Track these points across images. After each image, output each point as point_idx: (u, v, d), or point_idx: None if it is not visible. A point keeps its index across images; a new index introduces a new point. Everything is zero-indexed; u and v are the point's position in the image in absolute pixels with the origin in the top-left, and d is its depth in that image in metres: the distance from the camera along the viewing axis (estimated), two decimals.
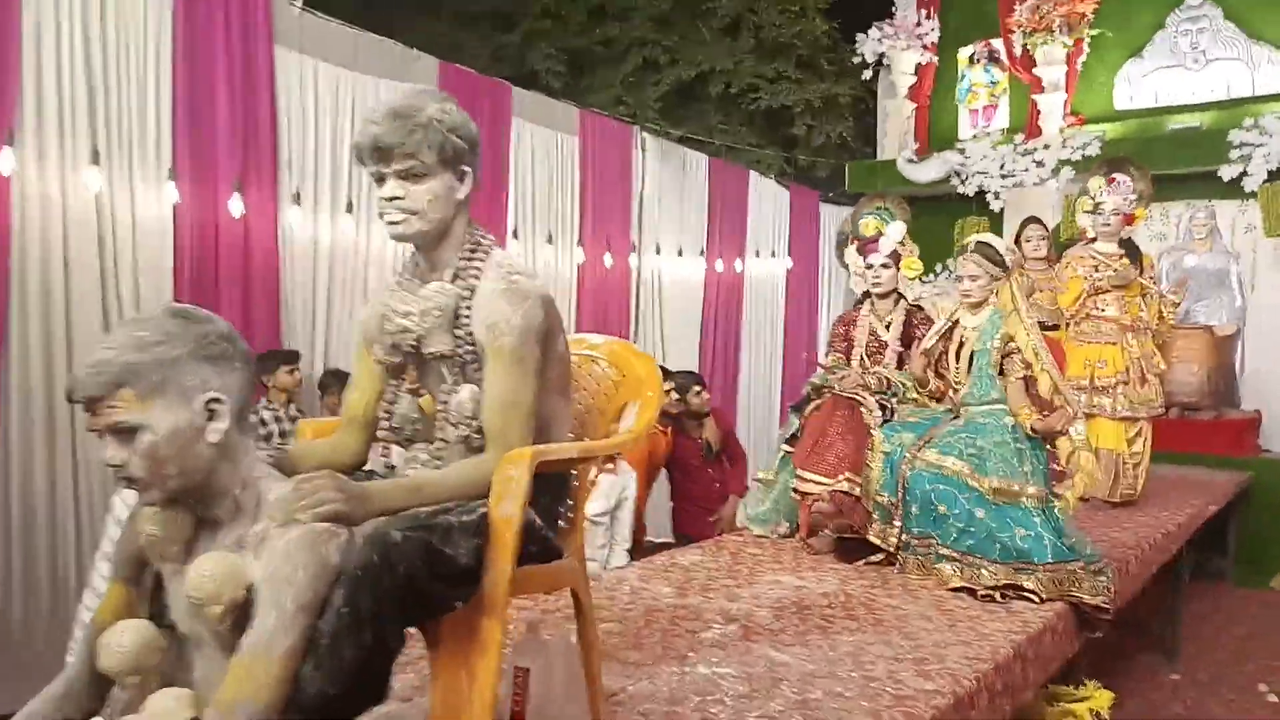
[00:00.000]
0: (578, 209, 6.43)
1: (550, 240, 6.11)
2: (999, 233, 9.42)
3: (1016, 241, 5.65)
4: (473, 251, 1.68)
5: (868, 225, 3.77)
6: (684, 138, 9.79)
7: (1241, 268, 7.90)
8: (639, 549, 4.51)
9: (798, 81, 10.40)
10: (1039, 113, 9.00)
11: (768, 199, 8.66)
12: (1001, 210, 9.07)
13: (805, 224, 9.23)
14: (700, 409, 5.11)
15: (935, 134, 9.77)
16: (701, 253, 7.63)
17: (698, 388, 5.14)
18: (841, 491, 3.23)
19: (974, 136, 9.41)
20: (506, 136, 5.82)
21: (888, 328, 3.73)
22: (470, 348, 1.62)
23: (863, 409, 3.43)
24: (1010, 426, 3.19)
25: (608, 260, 6.51)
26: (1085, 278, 4.96)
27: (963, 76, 9.74)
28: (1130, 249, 5.03)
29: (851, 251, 3.82)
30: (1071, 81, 8.92)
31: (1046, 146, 8.68)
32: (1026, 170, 8.75)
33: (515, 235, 5.84)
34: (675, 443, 5.02)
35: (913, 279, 3.73)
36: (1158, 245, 8.42)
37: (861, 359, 3.73)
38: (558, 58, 9.92)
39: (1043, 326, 5.51)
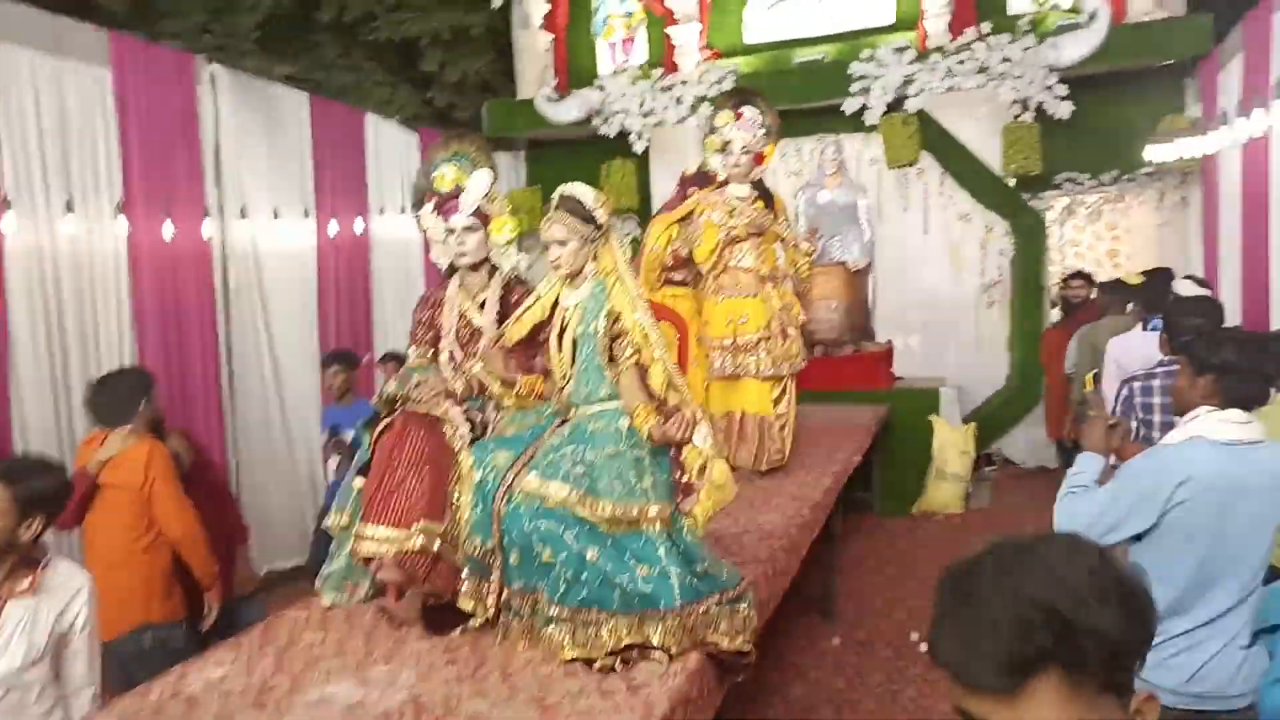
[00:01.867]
0: (116, 165, 4.97)
1: (71, 208, 4.61)
2: (645, 177, 9.13)
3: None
4: None
5: (443, 177, 2.91)
6: (291, 76, 8.38)
7: (869, 201, 8.05)
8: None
9: (422, 10, 9.27)
10: (674, 46, 8.65)
11: (392, 146, 7.53)
12: (646, 152, 8.69)
13: None
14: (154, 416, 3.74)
15: (575, 70, 9.16)
16: (308, 213, 6.38)
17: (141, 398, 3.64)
18: (414, 551, 2.40)
19: (613, 73, 8.89)
20: None
21: (481, 309, 2.92)
22: None
23: (445, 426, 2.60)
24: (626, 431, 2.52)
25: (168, 231, 5.12)
26: (720, 226, 4.49)
27: (598, 7, 9.16)
28: (763, 191, 4.62)
29: (428, 212, 2.95)
30: (704, 13, 8.63)
31: (684, 83, 8.35)
32: (666, 108, 8.38)
33: (8, 203, 4.30)
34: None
35: (507, 244, 2.93)
36: (794, 182, 8.45)
37: (452, 352, 2.90)
38: None
39: (679, 283, 5.08)
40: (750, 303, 4.51)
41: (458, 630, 2.51)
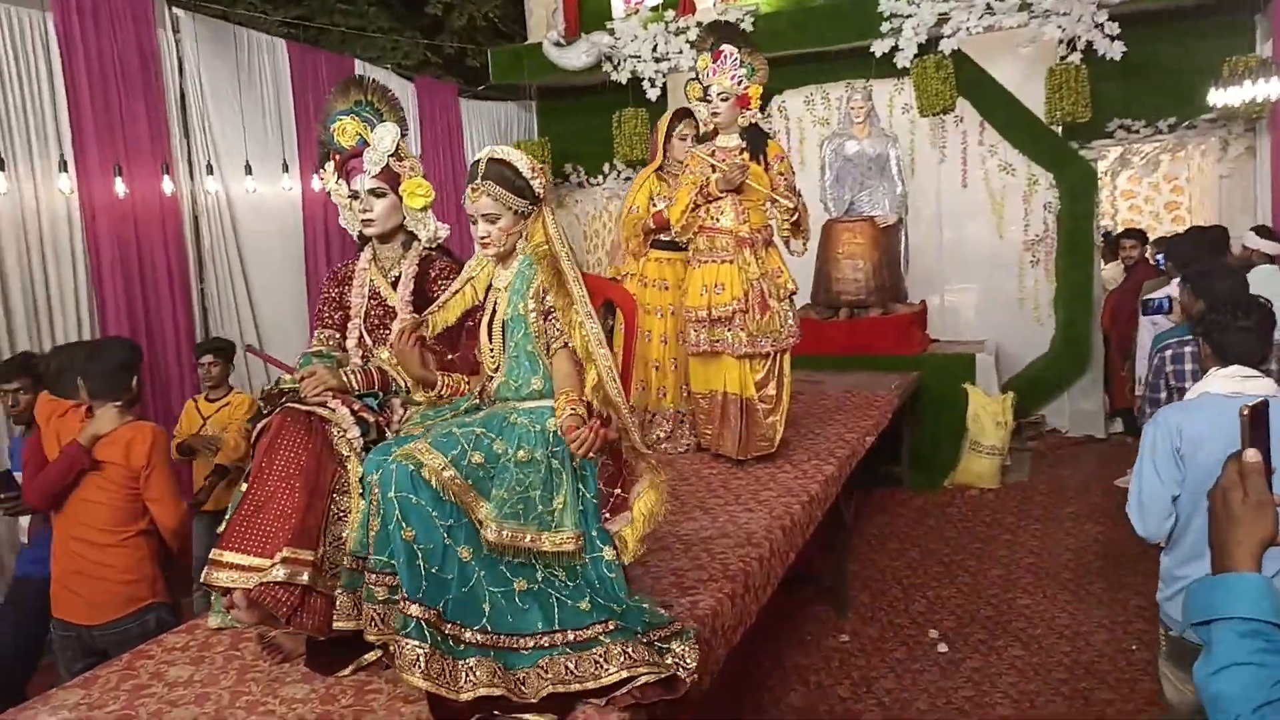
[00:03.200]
0: (63, 117, 4.59)
1: (1, 166, 4.23)
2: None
3: (667, 142, 4.55)
4: None
5: (343, 130, 2.46)
6: (288, 23, 7.94)
7: (901, 152, 7.41)
8: None
9: None
10: None
11: None
12: (661, 100, 8.12)
13: (442, 125, 7.76)
14: None
15: (587, 13, 8.55)
16: (286, 168, 5.97)
17: None
18: (274, 584, 1.98)
19: (625, 16, 8.28)
20: None
21: (395, 285, 2.47)
22: None
23: (332, 428, 2.17)
24: (552, 435, 2.07)
25: (120, 188, 4.74)
26: (696, 181, 3.94)
27: None
28: (755, 138, 4.04)
29: (329, 171, 2.51)
30: None
31: (699, 24, 7.72)
32: (680, 53, 7.79)
33: None
34: None
35: (423, 211, 2.48)
36: (821, 132, 7.86)
37: (362, 335, 2.46)
38: None
39: (669, 245, 4.54)
40: (726, 269, 3.92)
41: (349, 669, 2.11)
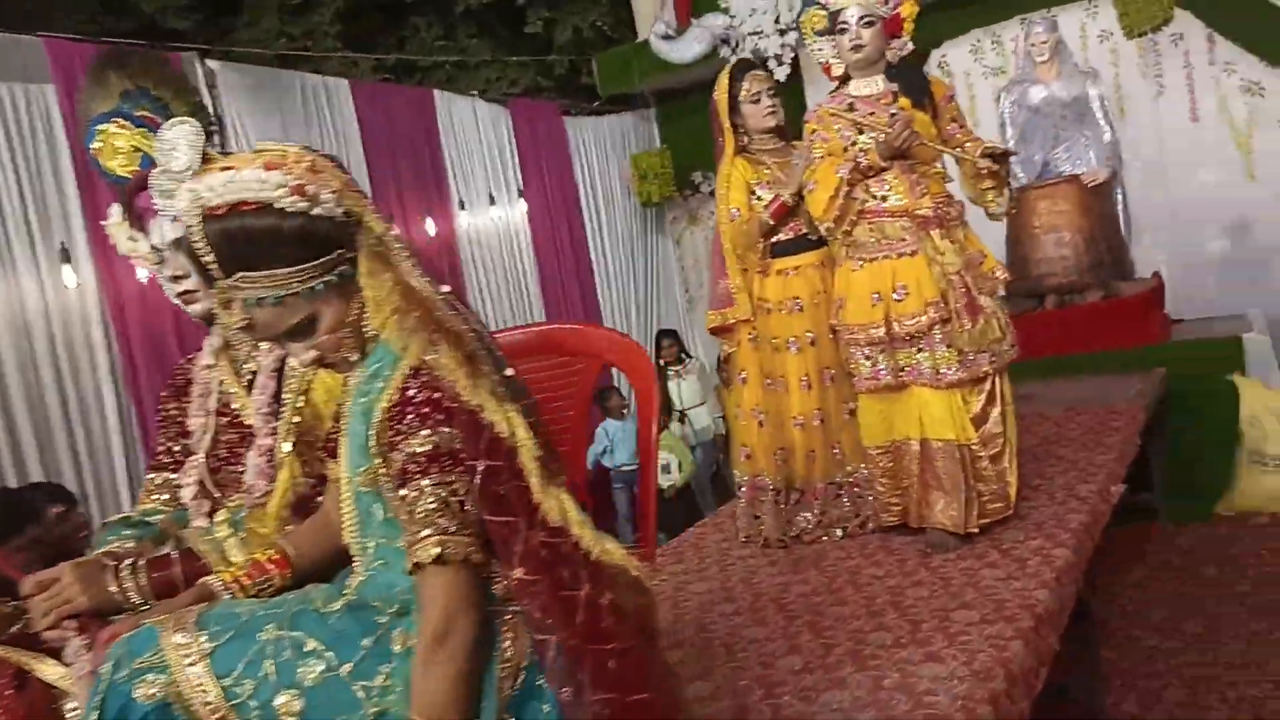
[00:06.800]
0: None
1: None
2: (800, 105, 7.28)
3: (734, 112, 3.36)
4: None
5: (110, 148, 1.50)
6: (390, 63, 7.38)
7: (1104, 89, 5.83)
8: None
9: None
10: None
11: (474, 125, 6.28)
12: (793, 78, 6.89)
13: (547, 150, 6.88)
14: None
15: (701, 2, 7.48)
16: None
17: None
18: None
19: None
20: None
21: (249, 389, 1.48)
22: None
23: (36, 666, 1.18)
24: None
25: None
26: (839, 153, 2.83)
27: None
28: (912, 77, 2.86)
29: (118, 220, 1.56)
30: None
31: None
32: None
33: None
34: None
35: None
36: (996, 83, 6.42)
37: (201, 484, 1.48)
38: None
39: (794, 247, 3.38)
40: (908, 264, 2.80)
41: None
